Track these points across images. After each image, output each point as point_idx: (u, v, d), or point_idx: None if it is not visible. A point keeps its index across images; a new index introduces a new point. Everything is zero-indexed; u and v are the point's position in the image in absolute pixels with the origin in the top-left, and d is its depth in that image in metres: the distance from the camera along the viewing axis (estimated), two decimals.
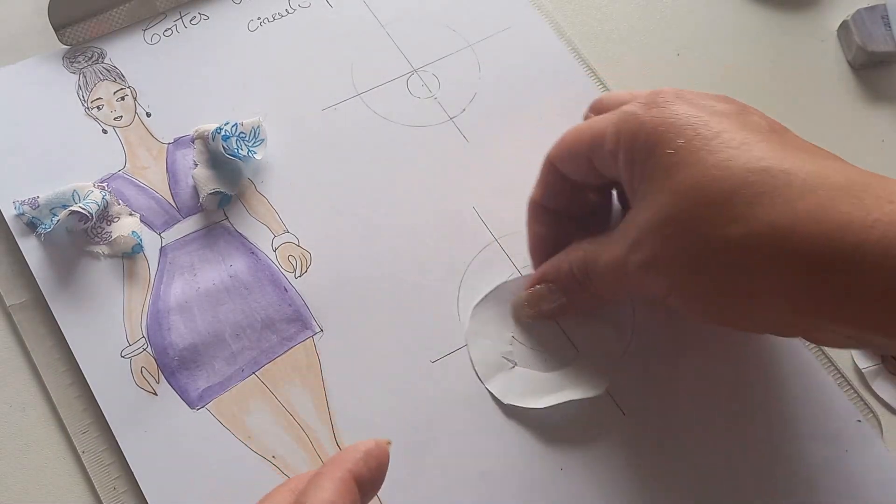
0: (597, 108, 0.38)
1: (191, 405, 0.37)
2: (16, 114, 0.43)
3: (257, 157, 0.42)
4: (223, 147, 0.41)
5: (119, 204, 0.41)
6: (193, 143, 0.43)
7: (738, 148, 0.30)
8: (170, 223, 0.41)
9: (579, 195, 0.38)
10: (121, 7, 0.46)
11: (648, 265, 0.31)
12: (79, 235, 0.40)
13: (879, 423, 0.38)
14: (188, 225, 0.41)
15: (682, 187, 0.30)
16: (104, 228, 0.40)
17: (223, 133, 0.41)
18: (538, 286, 0.38)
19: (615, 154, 0.33)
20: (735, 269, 0.29)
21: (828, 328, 0.28)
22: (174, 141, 0.43)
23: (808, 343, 0.39)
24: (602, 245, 0.34)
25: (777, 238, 0.28)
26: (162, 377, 0.37)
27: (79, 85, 0.45)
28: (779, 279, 0.28)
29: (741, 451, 0.37)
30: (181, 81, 0.45)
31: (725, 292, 0.30)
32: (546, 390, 0.37)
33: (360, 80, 0.45)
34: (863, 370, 0.39)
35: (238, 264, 0.40)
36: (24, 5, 0.47)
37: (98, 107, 0.44)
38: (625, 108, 0.33)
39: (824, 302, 0.27)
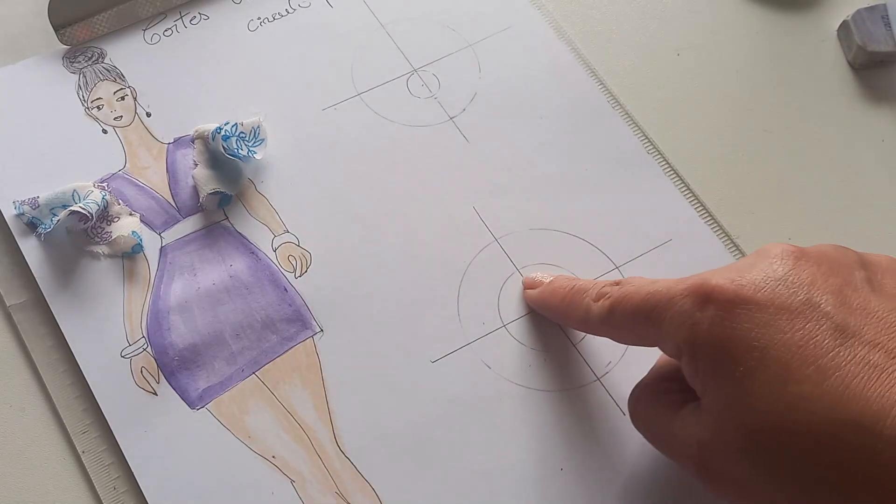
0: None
1: (191, 405, 0.37)
2: (16, 114, 0.43)
3: (257, 157, 0.42)
4: (223, 147, 0.41)
5: (119, 204, 0.41)
6: (193, 142, 0.43)
7: (820, 383, 0.26)
8: (170, 223, 0.41)
9: None
10: (121, 7, 0.46)
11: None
12: (79, 235, 0.40)
13: None
14: (188, 225, 0.41)
15: (753, 425, 0.27)
16: (104, 228, 0.40)
17: (223, 133, 0.41)
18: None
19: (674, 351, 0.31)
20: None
21: None
22: (174, 141, 0.43)
23: None
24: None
25: None
26: (162, 377, 0.37)
27: (79, 85, 0.45)
28: None
29: None
30: (181, 81, 0.45)
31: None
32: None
33: (360, 80, 0.45)
34: None
35: (238, 264, 0.40)
36: (24, 5, 0.47)
37: (98, 107, 0.44)
38: (680, 308, 0.29)
39: None
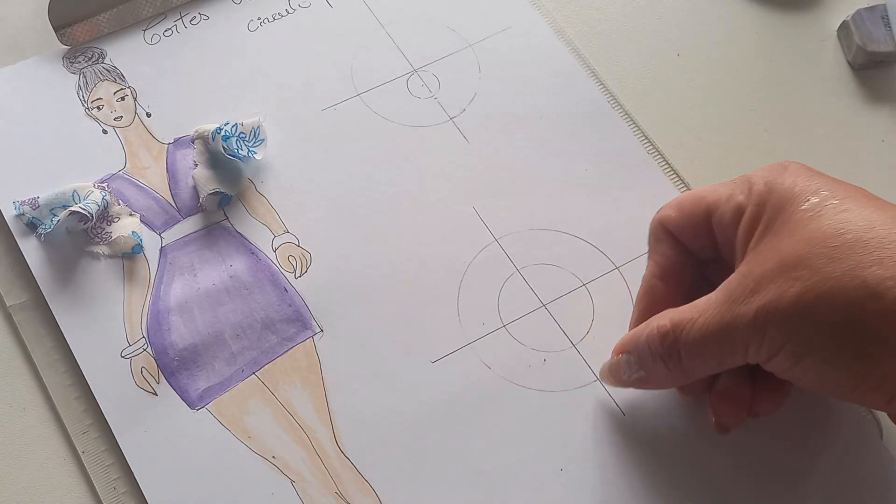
0: (678, 208, 0.36)
1: (191, 405, 0.37)
2: (16, 114, 0.43)
3: (257, 157, 0.42)
4: (223, 147, 0.41)
5: (119, 204, 0.41)
6: (193, 143, 0.43)
7: (878, 209, 0.30)
8: (170, 223, 0.41)
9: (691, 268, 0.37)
10: (121, 7, 0.46)
11: (767, 314, 0.29)
12: (79, 236, 0.40)
13: (879, 424, 0.38)
14: (188, 225, 0.41)
15: (818, 235, 0.29)
16: (104, 229, 0.40)
17: (223, 133, 0.41)
18: (619, 356, 0.36)
19: (739, 212, 0.33)
20: (872, 322, 0.28)
21: None
22: (174, 141, 0.43)
23: None
24: (697, 309, 0.32)
25: None
26: (162, 377, 0.37)
27: (79, 85, 0.45)
28: None
29: (740, 451, 0.37)
30: (181, 81, 0.45)
31: (854, 352, 0.28)
32: None
33: (360, 80, 0.45)
34: None
35: (238, 264, 0.40)
36: (24, 5, 0.47)
37: (98, 107, 0.44)
38: (751, 174, 0.34)
39: None
